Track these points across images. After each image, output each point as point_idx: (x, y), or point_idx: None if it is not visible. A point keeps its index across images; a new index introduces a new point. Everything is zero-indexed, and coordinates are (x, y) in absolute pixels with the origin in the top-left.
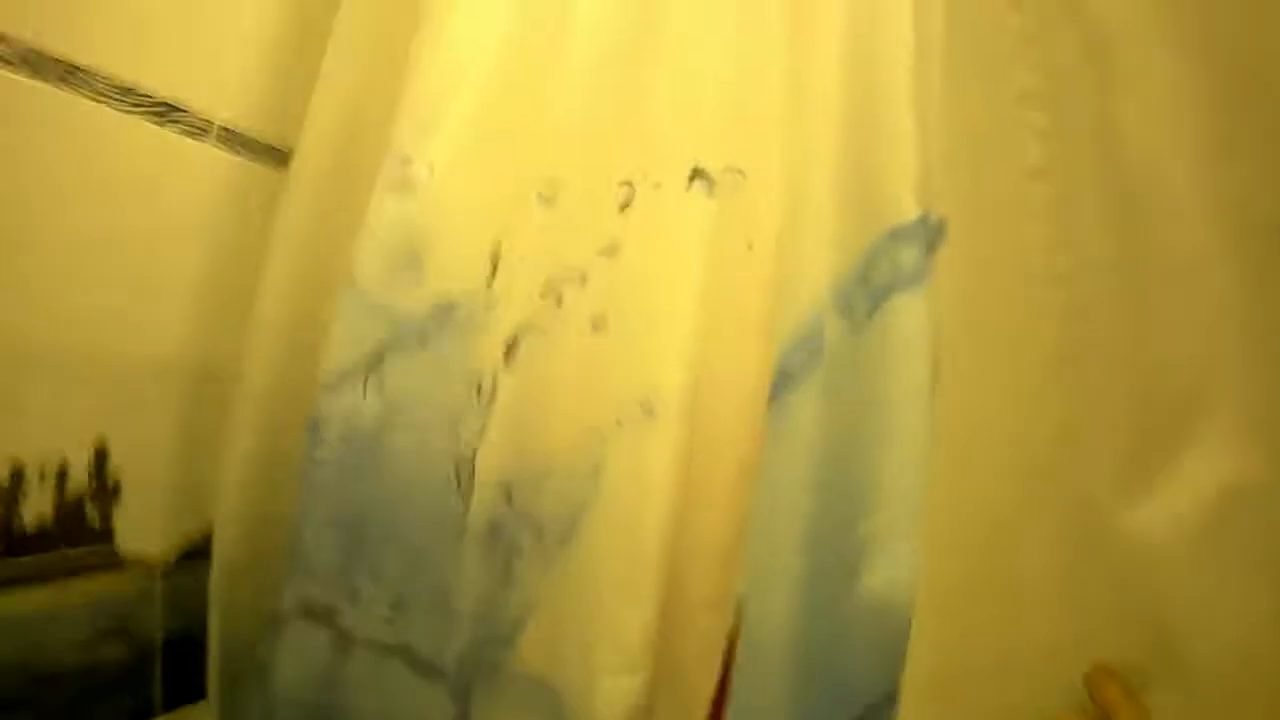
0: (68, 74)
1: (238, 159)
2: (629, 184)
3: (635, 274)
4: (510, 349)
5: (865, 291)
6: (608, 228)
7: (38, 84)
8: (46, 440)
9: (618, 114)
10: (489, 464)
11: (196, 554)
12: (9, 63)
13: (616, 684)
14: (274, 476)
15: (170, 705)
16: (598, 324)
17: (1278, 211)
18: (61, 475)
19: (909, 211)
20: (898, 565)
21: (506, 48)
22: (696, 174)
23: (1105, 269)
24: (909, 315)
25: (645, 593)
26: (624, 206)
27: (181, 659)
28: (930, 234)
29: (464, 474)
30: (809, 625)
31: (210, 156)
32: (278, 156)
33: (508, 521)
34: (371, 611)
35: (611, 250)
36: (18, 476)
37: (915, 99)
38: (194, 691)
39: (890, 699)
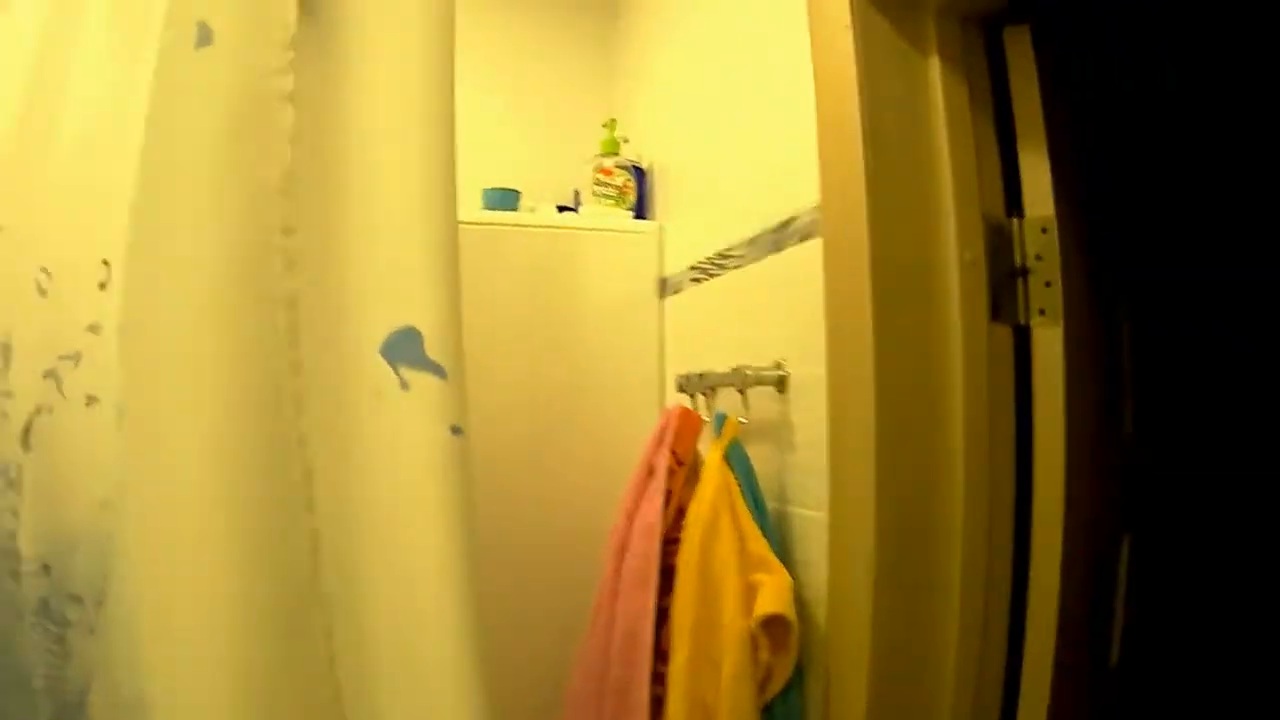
0: None
1: None
2: (106, 264)
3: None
4: (26, 433)
5: None
6: (93, 307)
7: None
8: None
9: (104, 192)
10: (27, 544)
11: None
12: None
13: None
14: None
15: None
16: (90, 400)
17: None
18: None
19: None
20: None
21: (11, 131)
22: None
23: None
24: None
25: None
26: (103, 285)
27: None
28: None
29: (9, 556)
30: None
31: None
32: None
33: (52, 597)
34: None
35: (97, 328)
36: None
37: None
38: None
39: None
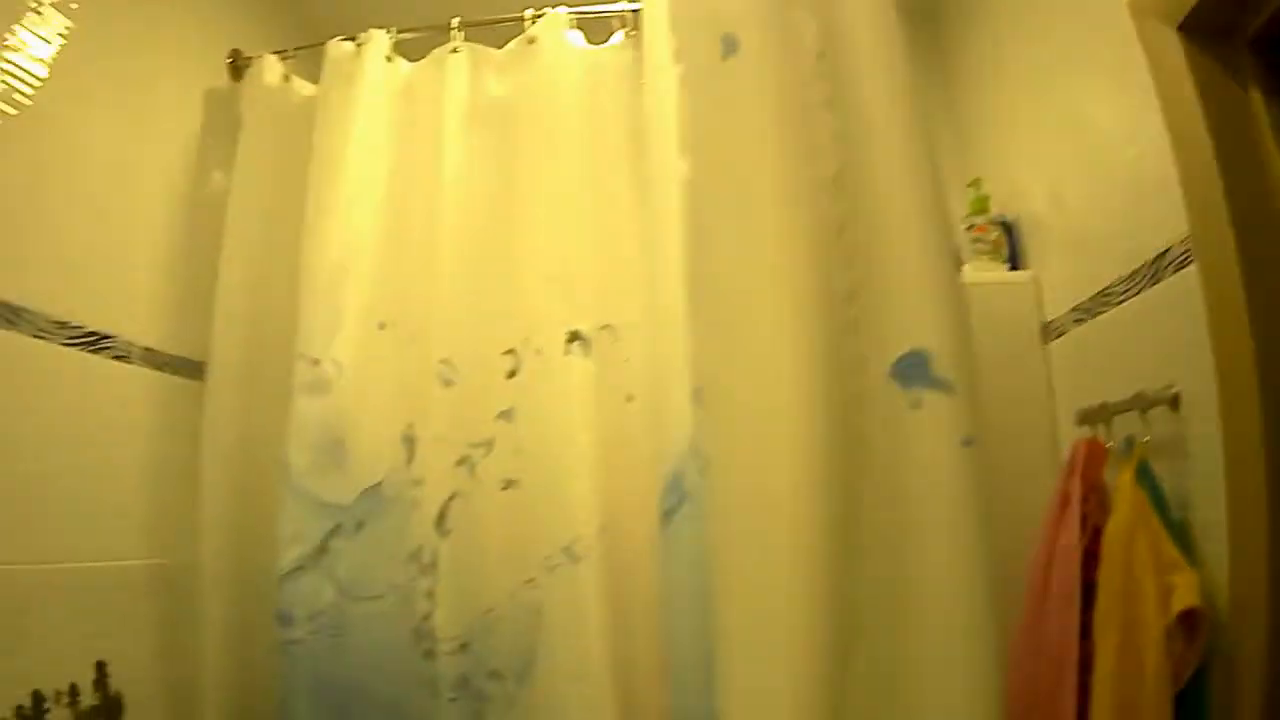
0: (12, 315)
1: (162, 375)
2: (513, 352)
3: (533, 435)
4: (440, 519)
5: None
6: (501, 395)
7: None
8: (57, 666)
9: (495, 289)
10: (445, 624)
11: None
12: None
13: None
14: (248, 668)
15: None
16: (508, 484)
17: None
18: (74, 696)
19: None
20: None
21: (389, 234)
22: (573, 337)
23: None
24: None
25: (605, 710)
26: (511, 374)
27: None
28: None
29: (424, 636)
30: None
31: (138, 376)
32: (194, 367)
33: (472, 673)
34: None
35: (509, 415)
36: (39, 703)
37: None
38: None
39: None
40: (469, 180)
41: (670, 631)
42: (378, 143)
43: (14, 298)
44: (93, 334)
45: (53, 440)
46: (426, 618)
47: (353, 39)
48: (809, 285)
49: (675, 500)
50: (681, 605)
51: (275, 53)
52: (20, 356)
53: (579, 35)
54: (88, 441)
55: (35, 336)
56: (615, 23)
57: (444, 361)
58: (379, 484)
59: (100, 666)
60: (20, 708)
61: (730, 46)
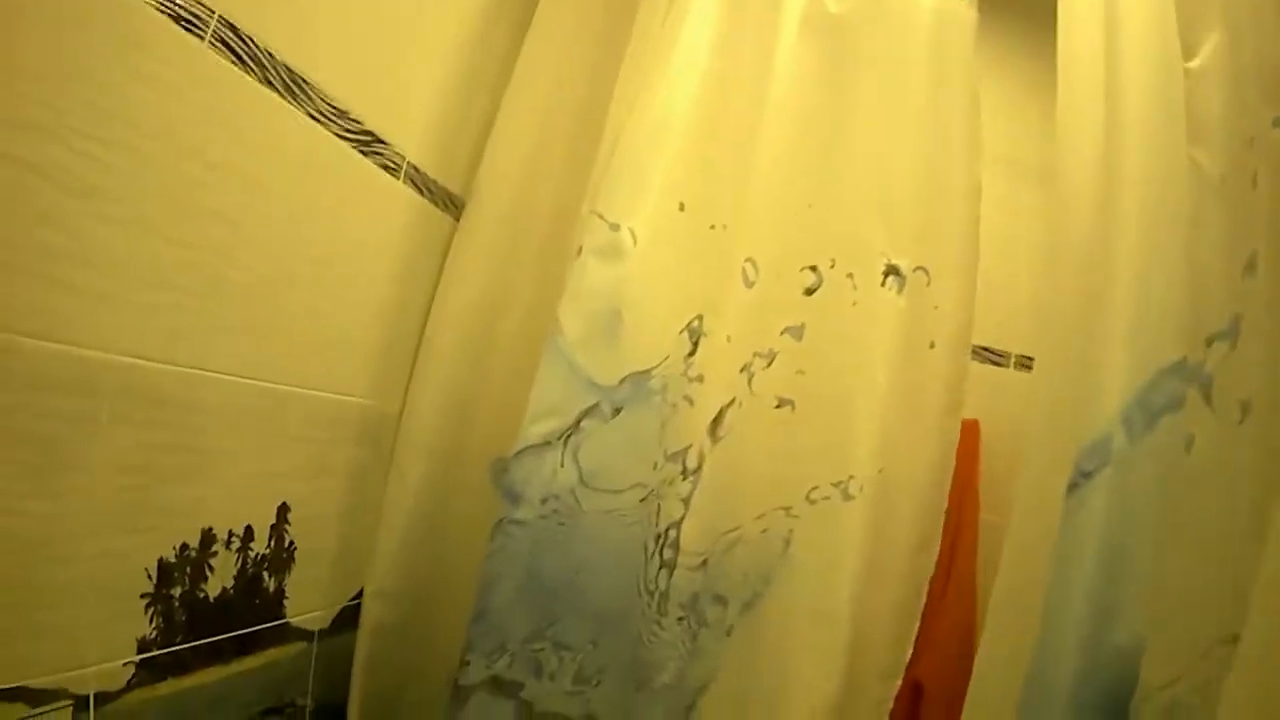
0: (294, 85)
1: (421, 200)
2: (814, 269)
3: (821, 359)
4: (715, 424)
5: (1142, 414)
6: (794, 309)
7: (268, 92)
8: (235, 505)
9: (811, 199)
10: (692, 536)
11: (348, 620)
12: (244, 63)
13: None
14: (434, 540)
15: None
16: (783, 403)
17: None
18: (246, 541)
19: (1171, 355)
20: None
21: (706, 120)
22: (890, 271)
23: None
24: (1172, 434)
25: (835, 657)
26: (810, 291)
27: None
28: (1190, 371)
29: (666, 546)
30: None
31: (401, 194)
32: (454, 203)
33: (702, 593)
34: (556, 685)
35: (798, 332)
36: (208, 542)
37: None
38: None
39: None
40: (797, 88)
41: (1056, 603)
42: (708, 27)
43: (302, 65)
44: (369, 133)
45: (302, 241)
46: (675, 525)
47: None
48: None
49: (1096, 464)
50: (1076, 575)
51: None
52: (296, 137)
53: None
54: (338, 254)
55: (313, 118)
56: None
57: (749, 260)
58: (649, 371)
59: (282, 510)
60: (184, 546)
61: None
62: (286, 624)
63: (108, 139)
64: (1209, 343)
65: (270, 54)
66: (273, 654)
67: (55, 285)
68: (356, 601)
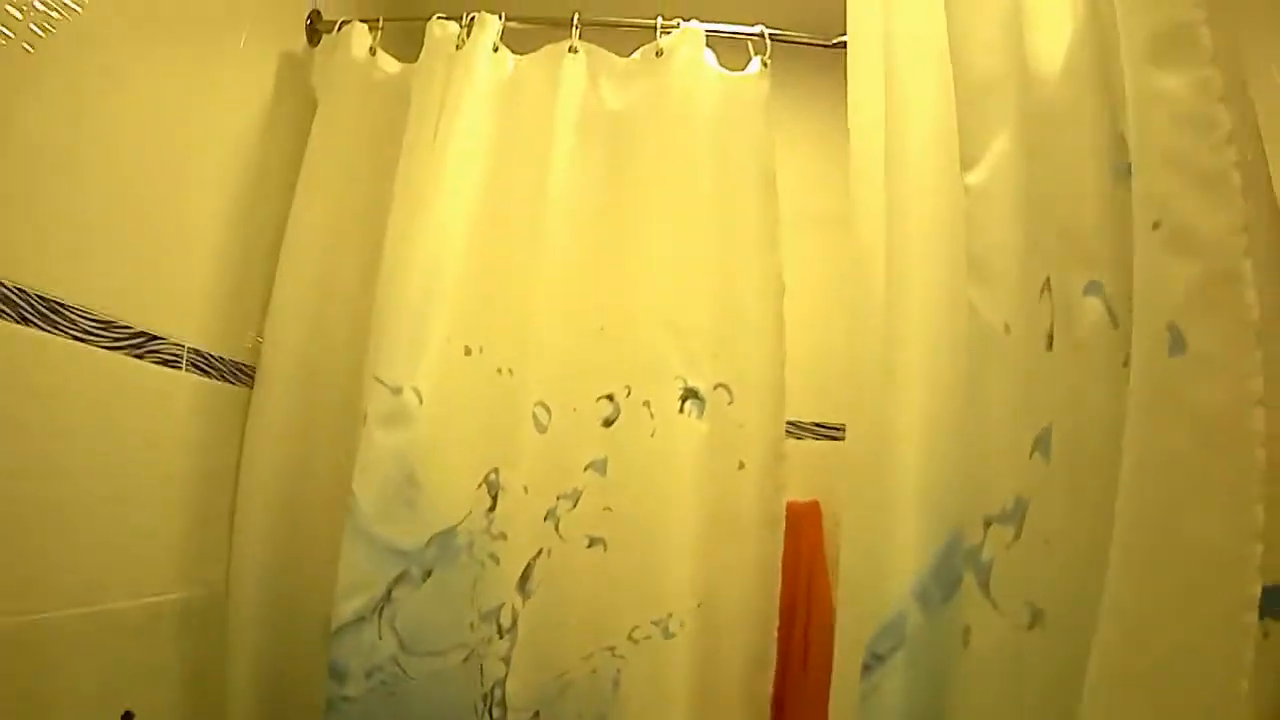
0: (52, 314)
1: (210, 382)
2: (610, 398)
3: (627, 494)
4: (524, 580)
5: (938, 588)
6: (595, 443)
7: (23, 329)
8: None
9: (602, 320)
10: (517, 692)
11: None
12: None
13: None
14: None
15: None
16: (594, 541)
17: None
18: None
19: (951, 527)
20: None
21: (483, 250)
22: (688, 394)
23: None
24: (952, 622)
25: None
26: (608, 422)
27: None
28: (967, 554)
29: (494, 705)
30: None
31: (184, 382)
32: (245, 372)
33: None
34: None
35: (601, 466)
36: None
37: None
38: None
39: None
40: (577, 198)
41: None
42: (477, 143)
43: (59, 292)
44: (141, 334)
45: (88, 460)
46: (499, 683)
47: (456, 19)
48: None
49: (890, 645)
50: None
51: (364, 21)
52: (62, 363)
53: (712, 55)
54: (126, 461)
55: (77, 339)
56: (751, 47)
57: (539, 404)
58: (453, 529)
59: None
60: None
61: None
62: None
63: None
64: (986, 524)
65: (22, 290)
66: None
67: None
68: None
